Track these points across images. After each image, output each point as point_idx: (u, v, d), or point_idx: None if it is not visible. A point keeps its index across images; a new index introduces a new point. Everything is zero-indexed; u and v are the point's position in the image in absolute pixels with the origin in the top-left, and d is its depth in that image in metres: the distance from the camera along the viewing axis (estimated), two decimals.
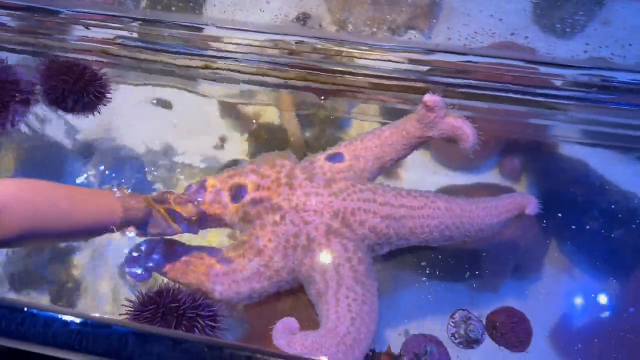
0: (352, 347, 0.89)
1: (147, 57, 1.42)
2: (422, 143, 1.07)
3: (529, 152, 1.30)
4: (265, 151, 1.12)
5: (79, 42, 1.43)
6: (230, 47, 1.40)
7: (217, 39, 1.40)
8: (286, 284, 1.01)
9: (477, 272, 1.13)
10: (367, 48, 1.36)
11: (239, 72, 1.40)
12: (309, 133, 1.32)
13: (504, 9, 1.24)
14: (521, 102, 1.33)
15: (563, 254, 1.16)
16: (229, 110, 1.36)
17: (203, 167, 1.28)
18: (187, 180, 1.24)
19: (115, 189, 0.97)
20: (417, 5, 1.28)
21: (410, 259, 1.14)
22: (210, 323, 0.95)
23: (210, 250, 1.03)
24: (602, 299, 1.11)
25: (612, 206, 1.20)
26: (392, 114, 1.34)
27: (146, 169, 1.27)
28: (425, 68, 1.35)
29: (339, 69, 1.37)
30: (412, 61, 1.35)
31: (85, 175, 1.26)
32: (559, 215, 1.18)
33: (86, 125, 1.31)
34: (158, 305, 0.94)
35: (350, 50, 1.36)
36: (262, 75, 1.39)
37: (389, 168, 1.08)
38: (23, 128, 1.29)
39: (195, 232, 1.04)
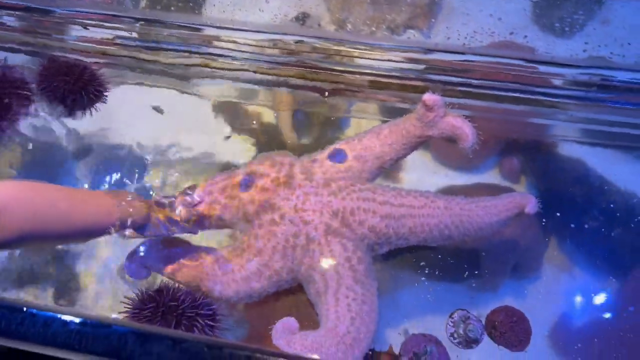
0: (352, 347, 0.89)
1: (146, 57, 1.42)
2: (422, 143, 1.06)
3: (528, 152, 1.30)
4: (265, 151, 1.12)
5: (78, 42, 1.43)
6: (229, 47, 1.40)
7: (216, 39, 1.40)
8: (286, 284, 1.01)
9: (476, 272, 1.13)
10: (367, 47, 1.36)
11: (238, 71, 1.40)
12: (308, 133, 1.32)
13: (503, 9, 1.24)
14: (520, 101, 1.33)
15: (562, 253, 1.16)
16: (228, 109, 1.36)
17: (202, 167, 1.28)
18: (185, 180, 1.24)
19: (114, 191, 0.97)
20: (416, 5, 1.28)
21: (409, 259, 1.14)
22: (210, 322, 0.95)
23: (210, 250, 1.03)
24: (602, 298, 1.11)
25: (612, 205, 1.20)
26: (391, 113, 1.34)
27: (145, 169, 1.27)
28: (425, 67, 1.35)
29: (339, 68, 1.37)
30: (411, 60, 1.35)
31: (83, 175, 1.26)
32: (558, 214, 1.18)
33: (85, 125, 1.31)
34: (158, 304, 0.94)
35: (350, 49, 1.36)
36: (262, 74, 1.39)
37: (388, 168, 1.08)
38: (22, 128, 1.29)
39: (195, 233, 1.04)
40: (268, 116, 1.34)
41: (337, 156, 1.05)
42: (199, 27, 1.39)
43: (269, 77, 1.38)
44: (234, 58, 1.40)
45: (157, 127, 1.33)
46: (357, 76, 1.36)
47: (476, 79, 1.34)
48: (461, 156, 1.09)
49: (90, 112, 1.29)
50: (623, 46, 1.23)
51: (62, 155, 1.30)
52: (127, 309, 0.97)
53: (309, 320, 0.97)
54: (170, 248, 1.02)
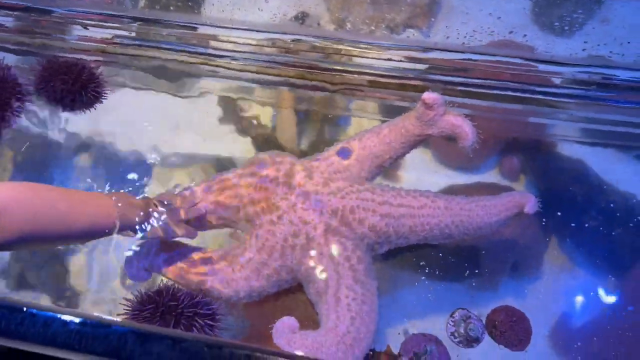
0: (352, 347, 0.89)
1: (146, 56, 1.41)
2: (421, 141, 1.06)
3: (528, 151, 1.30)
4: (264, 150, 1.12)
5: (77, 42, 1.43)
6: (228, 46, 1.40)
7: (215, 38, 1.40)
8: (286, 283, 1.01)
9: (476, 271, 1.13)
10: (366, 46, 1.36)
11: (237, 70, 1.39)
12: (308, 131, 1.32)
13: (503, 8, 1.24)
14: (520, 100, 1.33)
15: (562, 253, 1.16)
16: (227, 109, 1.36)
17: (201, 167, 1.27)
18: (185, 180, 1.24)
19: (113, 192, 0.97)
20: (416, 4, 1.28)
21: (409, 258, 1.13)
22: (209, 322, 0.95)
23: (209, 250, 1.03)
24: (602, 297, 1.11)
25: (611, 204, 1.20)
26: (391, 112, 1.34)
27: (144, 169, 1.26)
28: (424, 66, 1.35)
29: (338, 67, 1.37)
30: (411, 59, 1.35)
31: (82, 175, 1.26)
32: (558, 213, 1.18)
33: (84, 125, 1.31)
34: (157, 304, 0.94)
35: (349, 48, 1.36)
36: (261, 74, 1.39)
37: (387, 167, 1.08)
38: (21, 128, 1.29)
39: (194, 235, 1.03)
40: (267, 116, 1.34)
41: (341, 154, 1.06)
42: (198, 26, 1.39)
43: (269, 77, 1.38)
44: (233, 57, 1.40)
45: (156, 127, 1.33)
46: (357, 75, 1.36)
47: (476, 78, 1.34)
48: (461, 155, 1.09)
49: (89, 111, 1.29)
50: (622, 45, 1.23)
51: (60, 155, 1.29)
52: (126, 311, 0.97)
53: (309, 320, 0.97)
54: (169, 249, 1.02)
